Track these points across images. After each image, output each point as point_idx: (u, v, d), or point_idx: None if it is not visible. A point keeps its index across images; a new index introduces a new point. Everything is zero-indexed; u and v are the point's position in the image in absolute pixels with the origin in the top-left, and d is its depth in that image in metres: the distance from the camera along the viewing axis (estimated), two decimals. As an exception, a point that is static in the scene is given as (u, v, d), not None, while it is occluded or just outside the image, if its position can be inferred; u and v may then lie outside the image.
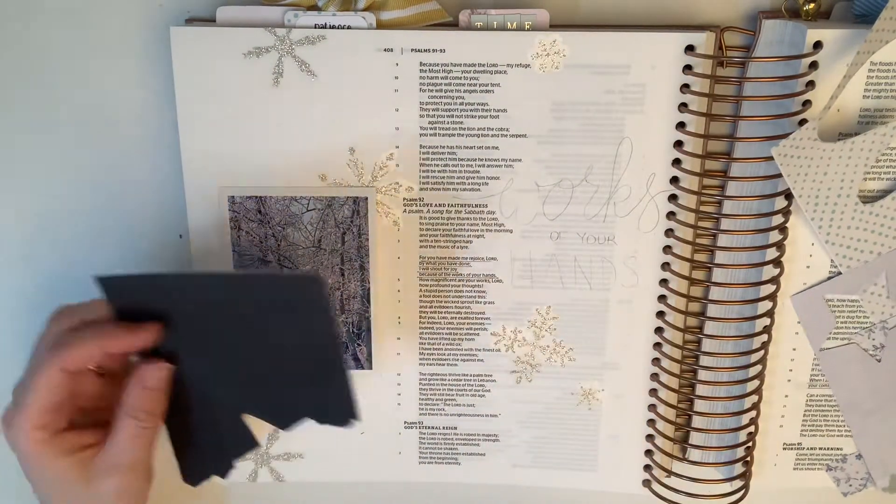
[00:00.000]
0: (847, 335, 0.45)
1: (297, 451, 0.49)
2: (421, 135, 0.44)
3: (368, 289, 0.46)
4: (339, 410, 0.42)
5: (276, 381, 0.43)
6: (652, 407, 0.48)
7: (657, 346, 0.47)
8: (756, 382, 0.46)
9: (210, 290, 0.40)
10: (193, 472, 0.45)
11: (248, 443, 0.45)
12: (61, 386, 0.39)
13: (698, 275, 0.45)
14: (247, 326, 0.41)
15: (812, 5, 0.40)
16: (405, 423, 0.49)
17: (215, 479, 0.50)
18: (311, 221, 0.44)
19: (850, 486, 0.49)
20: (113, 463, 0.40)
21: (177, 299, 0.40)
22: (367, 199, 0.44)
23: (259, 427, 0.44)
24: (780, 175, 0.41)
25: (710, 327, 0.46)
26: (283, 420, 0.43)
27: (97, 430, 0.41)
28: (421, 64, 0.42)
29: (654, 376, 0.47)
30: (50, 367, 0.39)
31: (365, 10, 0.42)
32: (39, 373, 0.39)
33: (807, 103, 0.41)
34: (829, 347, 0.45)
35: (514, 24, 0.42)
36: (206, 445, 0.44)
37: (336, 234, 0.44)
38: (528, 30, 0.42)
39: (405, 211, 0.45)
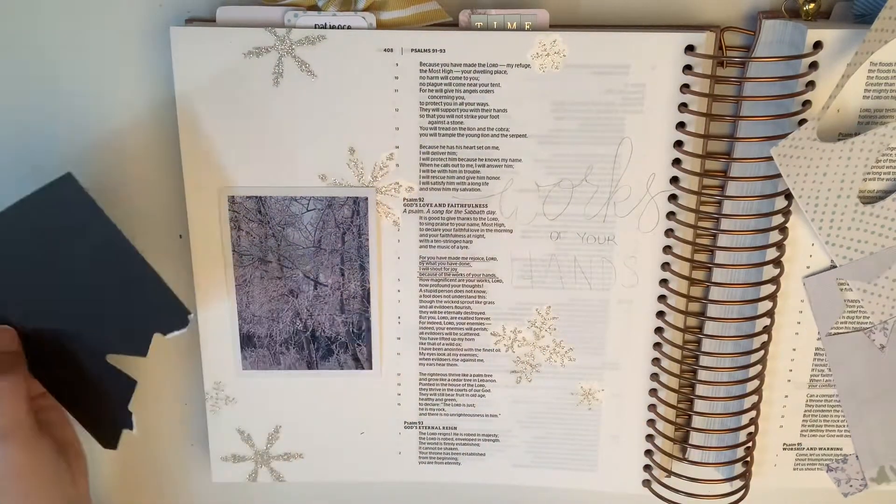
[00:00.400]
0: (854, 325, 0.45)
1: (297, 451, 0.49)
2: (421, 135, 0.44)
3: (368, 289, 0.46)
4: (171, 313, 0.43)
5: (99, 306, 0.43)
6: (652, 407, 0.48)
7: (657, 346, 0.47)
8: (756, 382, 0.46)
9: None
10: (104, 434, 0.45)
11: (127, 383, 0.44)
12: None
13: (698, 275, 0.45)
14: (44, 263, 0.41)
15: (812, 5, 0.40)
16: (405, 423, 0.49)
17: (216, 479, 0.50)
18: (311, 221, 0.44)
19: (851, 486, 0.49)
20: None
21: None
22: (367, 199, 0.44)
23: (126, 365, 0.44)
24: (780, 175, 0.41)
25: (710, 327, 0.46)
26: (135, 345, 0.43)
27: None
28: (421, 64, 0.42)
29: (654, 376, 0.47)
30: None
31: (365, 10, 0.42)
32: None
33: (807, 103, 0.41)
34: (835, 333, 0.45)
35: (514, 24, 0.42)
36: (97, 403, 0.44)
37: (336, 234, 0.44)
38: (528, 30, 0.42)
39: (405, 211, 0.45)
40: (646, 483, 0.49)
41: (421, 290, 0.46)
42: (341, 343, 0.47)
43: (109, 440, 0.45)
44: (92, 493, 0.46)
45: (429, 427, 0.49)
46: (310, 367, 0.47)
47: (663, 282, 0.46)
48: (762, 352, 0.45)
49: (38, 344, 0.43)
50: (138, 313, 0.43)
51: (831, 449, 0.48)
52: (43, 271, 0.42)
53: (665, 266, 0.45)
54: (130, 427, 0.45)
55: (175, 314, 0.43)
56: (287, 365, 0.47)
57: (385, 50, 0.42)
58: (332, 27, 0.42)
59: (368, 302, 0.46)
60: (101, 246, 0.41)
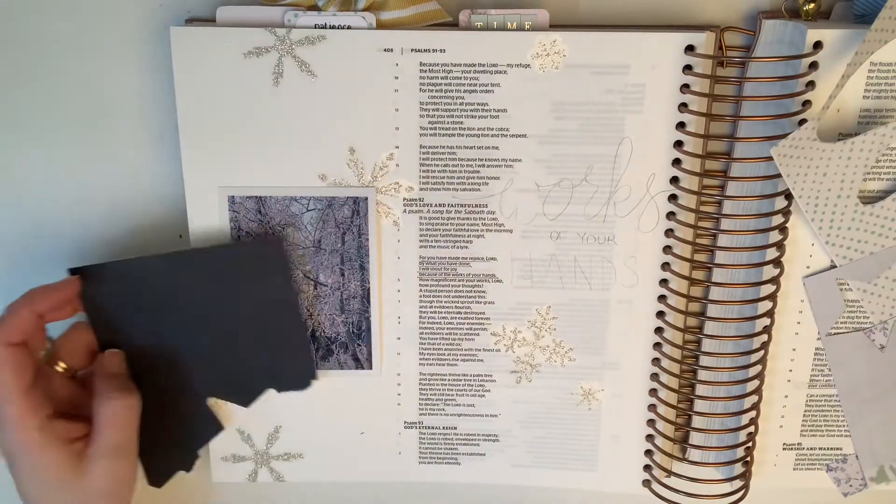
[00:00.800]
0: (854, 325, 0.45)
1: (297, 451, 0.49)
2: (421, 135, 0.44)
3: (368, 289, 0.46)
4: (298, 374, 0.44)
5: (236, 354, 0.43)
6: (652, 407, 0.48)
7: (657, 346, 0.47)
8: (756, 382, 0.46)
9: (173, 270, 0.42)
10: (157, 471, 0.45)
11: (213, 428, 0.45)
12: (19, 364, 0.39)
13: (698, 275, 0.45)
14: (207, 302, 0.42)
15: (812, 5, 0.40)
16: (405, 423, 0.49)
17: (215, 479, 0.50)
18: (310, 221, 0.44)
19: (851, 486, 0.49)
20: (100, 448, 0.40)
21: (142, 284, 0.42)
22: (366, 199, 0.44)
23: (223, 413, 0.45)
24: (780, 175, 0.41)
25: (710, 327, 0.46)
26: (245, 395, 0.44)
27: (86, 424, 0.42)
28: (421, 64, 0.42)
29: (654, 376, 0.47)
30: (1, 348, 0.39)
31: (365, 10, 0.42)
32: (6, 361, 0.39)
33: (807, 103, 0.41)
34: (835, 333, 0.45)
35: (514, 24, 0.42)
36: (168, 441, 0.45)
37: (336, 234, 0.44)
38: (528, 30, 0.42)
39: (405, 211, 0.45)
40: (646, 483, 0.49)
41: (421, 290, 0.46)
42: (341, 343, 0.47)
43: (159, 477, 0.45)
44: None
45: (429, 427, 0.49)
46: (310, 367, 0.47)
47: (663, 282, 0.46)
48: (762, 352, 0.45)
49: (144, 361, 0.44)
50: (268, 367, 0.44)
51: (831, 449, 0.48)
52: (202, 307, 0.43)
53: (665, 266, 0.45)
54: (189, 469, 0.45)
55: (303, 376, 0.44)
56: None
57: (385, 50, 0.42)
58: (332, 27, 0.42)
59: (368, 302, 0.46)
60: (272, 302, 0.43)
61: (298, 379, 0.44)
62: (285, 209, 0.44)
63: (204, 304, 0.43)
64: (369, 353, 0.47)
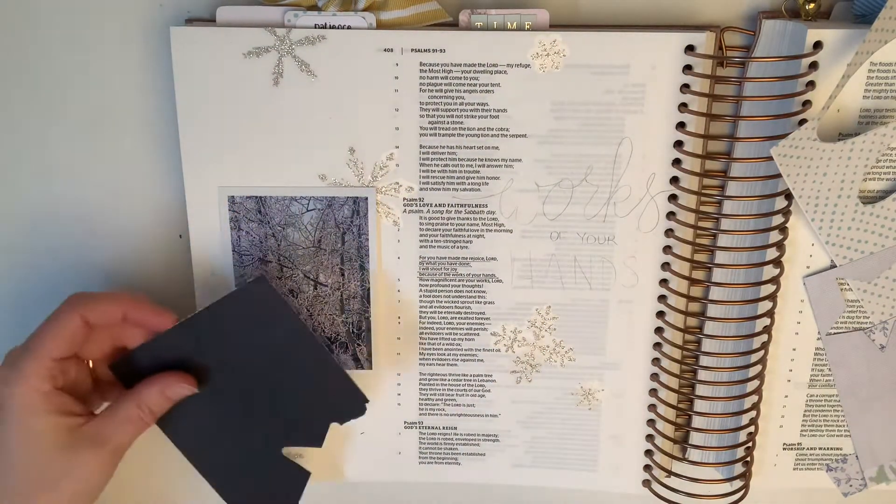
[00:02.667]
0: (854, 324, 0.45)
1: (296, 451, 0.49)
2: (421, 135, 0.44)
3: (368, 289, 0.46)
4: (350, 401, 0.44)
5: (286, 398, 0.44)
6: (652, 407, 0.48)
7: (657, 346, 0.47)
8: (756, 382, 0.46)
9: (195, 334, 0.42)
10: None
11: (300, 475, 0.46)
12: (76, 337, 0.40)
13: (698, 275, 0.45)
14: (237, 359, 0.43)
15: (812, 5, 0.40)
16: (405, 423, 0.49)
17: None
18: (310, 221, 0.44)
19: (851, 486, 0.49)
20: (102, 436, 0.41)
21: (176, 354, 0.43)
22: (367, 199, 0.44)
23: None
24: (780, 175, 0.41)
25: (710, 327, 0.46)
26: (313, 436, 0.45)
27: (85, 406, 0.42)
28: (421, 64, 0.42)
29: (654, 376, 0.47)
30: (71, 313, 0.40)
31: (365, 10, 0.42)
32: (58, 318, 0.40)
33: (807, 103, 0.41)
34: (835, 332, 0.45)
35: (514, 24, 0.42)
36: (259, 496, 0.46)
37: (336, 234, 0.44)
38: (528, 30, 0.42)
39: (405, 211, 0.45)
40: (646, 483, 0.49)
41: (421, 290, 0.46)
42: (341, 343, 0.47)
43: None
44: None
45: (429, 427, 0.49)
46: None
47: (663, 282, 0.46)
48: (762, 352, 0.45)
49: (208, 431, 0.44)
50: (319, 404, 0.44)
51: (831, 449, 0.48)
52: (237, 366, 0.43)
53: (665, 266, 0.45)
54: None
55: (354, 403, 0.44)
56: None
57: (385, 50, 0.42)
58: (332, 27, 0.42)
59: (368, 302, 0.46)
60: (288, 340, 0.43)
61: (354, 406, 0.45)
62: (285, 209, 0.44)
63: (237, 362, 0.43)
64: (369, 353, 0.47)
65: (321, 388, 0.44)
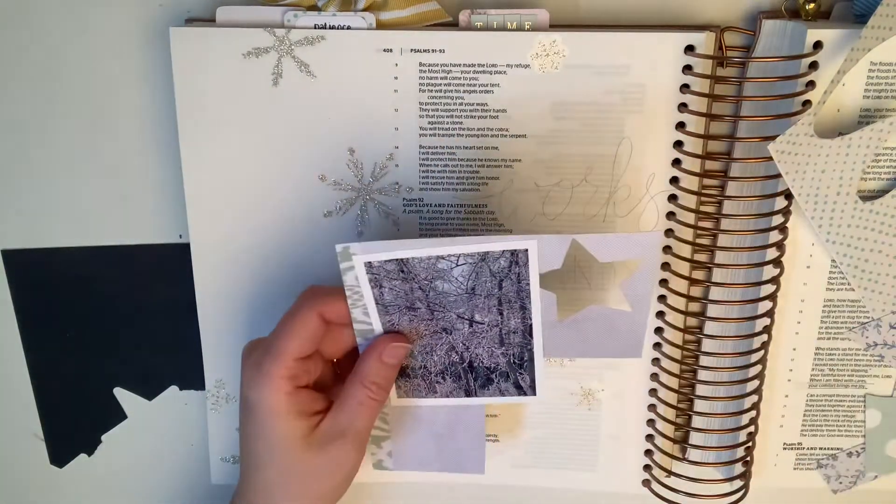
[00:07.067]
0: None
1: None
2: (420, 135, 0.44)
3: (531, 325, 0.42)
4: None
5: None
6: (652, 407, 0.48)
7: (657, 346, 0.47)
8: (756, 382, 0.46)
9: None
10: None
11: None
12: (315, 335, 0.40)
13: (698, 275, 0.45)
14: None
15: (812, 5, 0.40)
16: (405, 422, 0.49)
17: (214, 481, 0.50)
18: (462, 274, 0.41)
19: (841, 483, 0.49)
20: (338, 429, 0.40)
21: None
22: (526, 250, 0.40)
23: None
24: (779, 175, 0.41)
25: (709, 327, 0.46)
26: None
27: (326, 400, 0.41)
28: (420, 64, 0.42)
29: (654, 376, 0.47)
30: (309, 311, 0.39)
31: (365, 10, 0.42)
32: (296, 318, 0.39)
33: (807, 103, 0.41)
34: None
35: (514, 24, 0.42)
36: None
37: (492, 282, 0.40)
38: (528, 30, 0.42)
39: (405, 211, 0.45)
40: (646, 483, 0.49)
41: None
42: (502, 373, 0.44)
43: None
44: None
45: (429, 427, 0.49)
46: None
47: (663, 282, 0.46)
48: (762, 352, 0.45)
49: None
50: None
51: (831, 449, 0.48)
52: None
53: (665, 266, 0.45)
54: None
55: None
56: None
57: (384, 50, 0.42)
58: (332, 27, 0.42)
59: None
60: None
61: None
62: (431, 266, 0.40)
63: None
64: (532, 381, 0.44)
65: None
